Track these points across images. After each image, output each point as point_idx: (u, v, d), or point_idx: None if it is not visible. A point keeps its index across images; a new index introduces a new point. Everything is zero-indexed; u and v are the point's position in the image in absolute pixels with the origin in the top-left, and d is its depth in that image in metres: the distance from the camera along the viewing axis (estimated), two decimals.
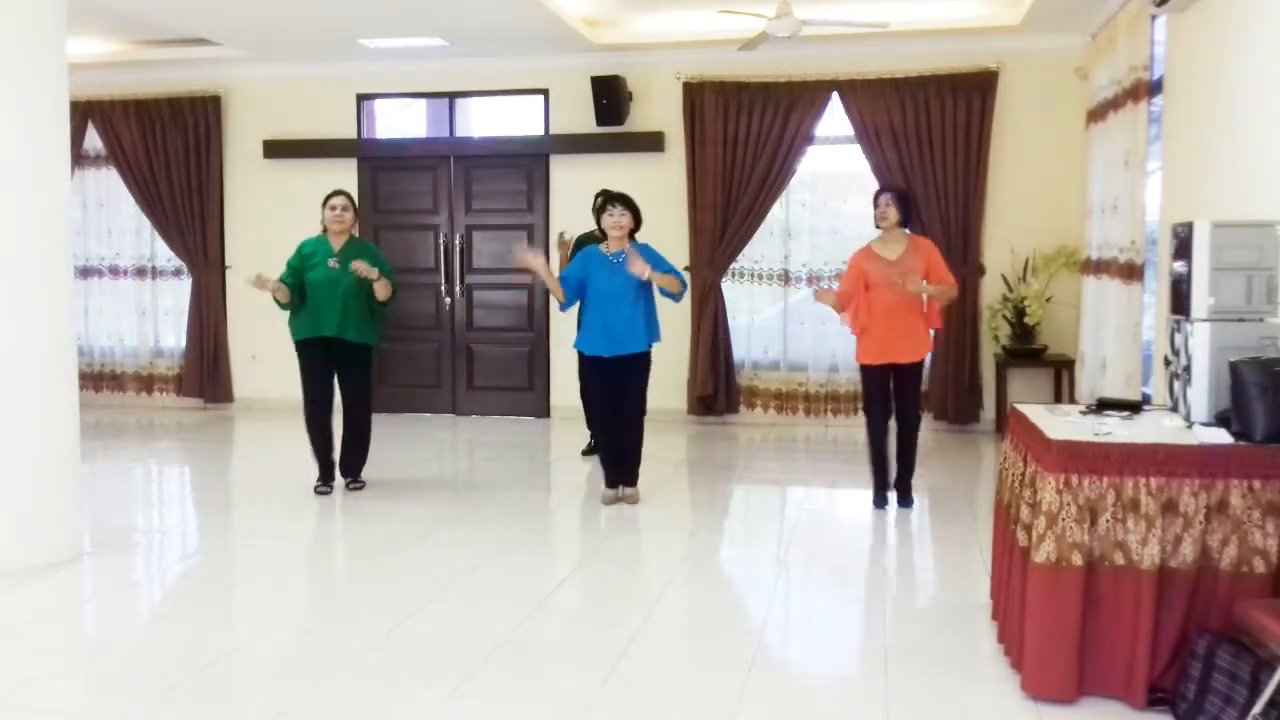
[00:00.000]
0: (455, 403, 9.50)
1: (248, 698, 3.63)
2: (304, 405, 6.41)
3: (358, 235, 6.51)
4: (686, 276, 7.11)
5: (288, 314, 6.35)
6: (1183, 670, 3.25)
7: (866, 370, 5.98)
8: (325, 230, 6.31)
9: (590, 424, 7.44)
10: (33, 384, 4.97)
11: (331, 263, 6.18)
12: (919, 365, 5.97)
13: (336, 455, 6.49)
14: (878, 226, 5.95)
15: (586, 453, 7.55)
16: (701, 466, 7.36)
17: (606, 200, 6.00)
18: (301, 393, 6.41)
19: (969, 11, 7.95)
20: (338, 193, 6.37)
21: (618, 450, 6.11)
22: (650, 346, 6.00)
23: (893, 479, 6.07)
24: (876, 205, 5.95)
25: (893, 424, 6.07)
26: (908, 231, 6.01)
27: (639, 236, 6.04)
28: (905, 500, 6.05)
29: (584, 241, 6.99)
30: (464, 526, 5.82)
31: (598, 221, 6.09)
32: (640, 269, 5.71)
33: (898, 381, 5.97)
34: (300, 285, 6.21)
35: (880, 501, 6.04)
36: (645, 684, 3.67)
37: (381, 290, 6.15)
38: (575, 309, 6.47)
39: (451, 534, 5.67)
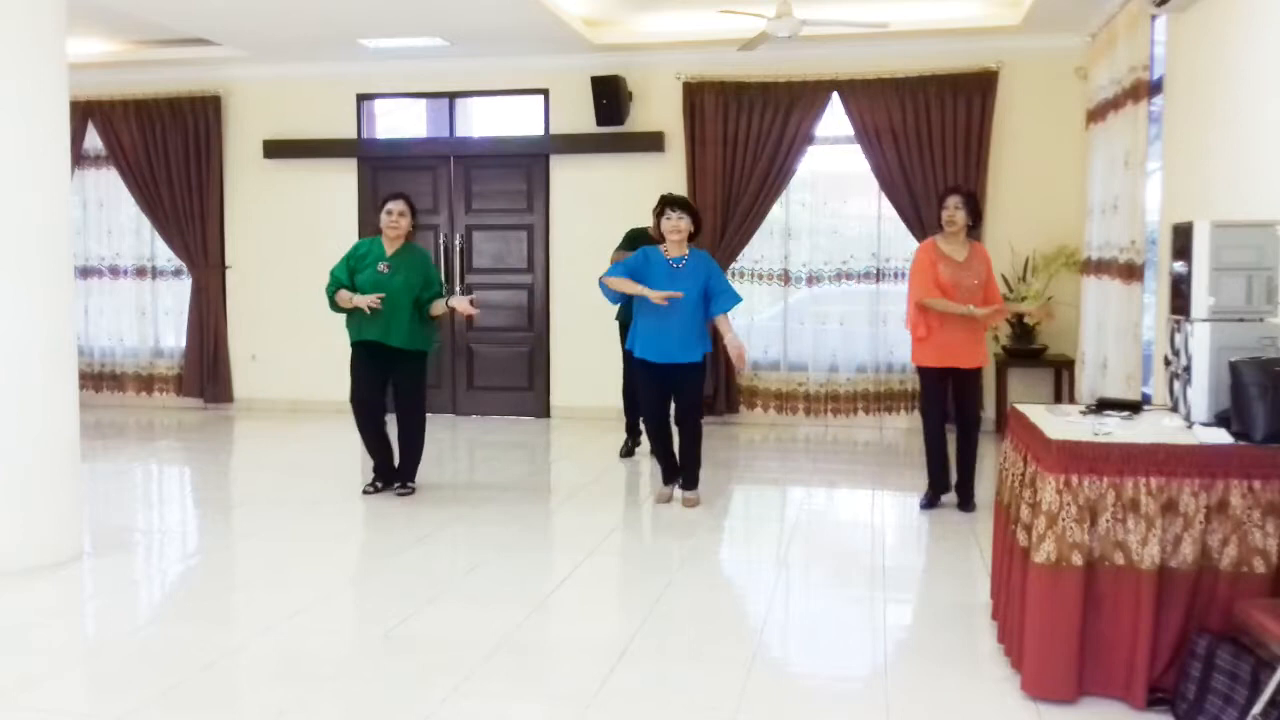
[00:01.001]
0: (455, 403, 9.50)
1: (248, 698, 3.64)
2: (352, 405, 6.37)
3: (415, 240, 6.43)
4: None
5: (344, 315, 6.27)
6: (1183, 670, 3.25)
7: (925, 372, 5.90)
8: (380, 233, 6.25)
9: (630, 426, 7.48)
10: (33, 384, 4.97)
11: (381, 267, 6.12)
12: (979, 371, 5.92)
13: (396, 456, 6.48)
14: (944, 229, 5.84)
15: (625, 454, 7.52)
16: (702, 466, 7.34)
17: (666, 204, 5.93)
18: (350, 391, 6.37)
19: (969, 11, 7.96)
20: (395, 196, 6.29)
21: (682, 455, 6.13)
22: (702, 357, 5.96)
23: (953, 483, 6.01)
24: (945, 207, 5.82)
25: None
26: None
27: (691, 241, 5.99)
28: (966, 504, 5.94)
29: (636, 237, 6.97)
30: (464, 526, 5.82)
31: (657, 225, 6.03)
32: (738, 353, 5.77)
33: (958, 386, 5.90)
34: (352, 286, 6.13)
35: (928, 502, 5.97)
36: (645, 684, 3.66)
37: (437, 309, 6.16)
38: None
39: (451, 534, 5.67)
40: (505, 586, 4.74)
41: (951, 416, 6.00)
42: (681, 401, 6.03)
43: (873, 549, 5.44)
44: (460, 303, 6.24)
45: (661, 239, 6.00)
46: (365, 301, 5.97)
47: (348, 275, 6.14)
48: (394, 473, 6.43)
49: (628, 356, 6.47)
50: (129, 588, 4.89)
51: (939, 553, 5.38)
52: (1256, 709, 2.89)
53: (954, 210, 5.78)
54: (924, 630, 4.26)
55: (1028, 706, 3.40)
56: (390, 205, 6.23)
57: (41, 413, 5.01)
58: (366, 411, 6.30)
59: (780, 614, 4.46)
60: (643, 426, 6.78)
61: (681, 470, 6.16)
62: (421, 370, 6.35)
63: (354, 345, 6.26)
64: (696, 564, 5.18)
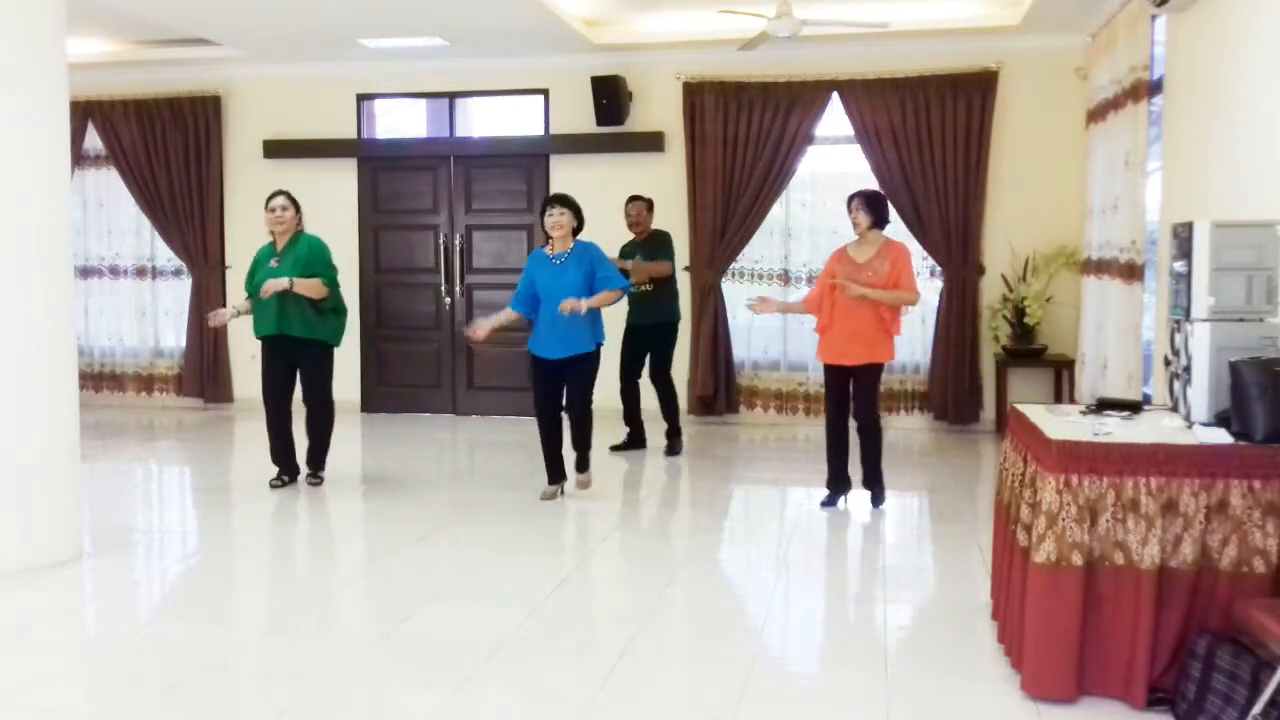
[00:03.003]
0: (455, 403, 9.50)
1: (248, 698, 3.64)
2: (262, 399, 6.56)
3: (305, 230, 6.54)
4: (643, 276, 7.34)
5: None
6: (1183, 670, 3.25)
7: (825, 369, 6.01)
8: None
9: (627, 419, 7.59)
10: (33, 384, 4.96)
11: (273, 263, 6.30)
12: (871, 369, 5.87)
13: (303, 452, 6.59)
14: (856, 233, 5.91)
15: (616, 448, 7.59)
16: (701, 466, 7.36)
17: (546, 202, 6.14)
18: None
19: (969, 11, 7.95)
20: (277, 193, 6.43)
21: (573, 440, 6.22)
22: (595, 347, 6.08)
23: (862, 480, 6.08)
24: (848, 211, 5.91)
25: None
26: (884, 234, 5.91)
27: (584, 234, 6.19)
28: (875, 499, 6.01)
29: (623, 248, 7.39)
30: (464, 526, 5.82)
31: (541, 222, 6.14)
32: (572, 308, 5.82)
33: (853, 385, 5.89)
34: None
35: (828, 500, 6.05)
36: (645, 684, 3.66)
37: (311, 291, 6.19)
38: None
39: (451, 534, 5.67)
40: (505, 587, 4.74)
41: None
42: (572, 391, 6.12)
43: (873, 549, 5.44)
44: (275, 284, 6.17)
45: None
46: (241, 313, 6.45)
47: (249, 284, 6.38)
48: (295, 465, 6.57)
49: (624, 355, 6.93)
50: (129, 588, 4.89)
51: (939, 553, 5.38)
52: (1256, 709, 2.88)
53: (855, 212, 5.85)
54: (924, 630, 4.26)
55: (1028, 706, 3.40)
56: (272, 202, 6.38)
57: (41, 413, 5.01)
58: (273, 406, 6.47)
59: (780, 614, 4.46)
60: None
61: (575, 452, 6.23)
62: (325, 361, 6.49)
63: (262, 342, 6.46)
64: (696, 564, 5.18)
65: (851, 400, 5.93)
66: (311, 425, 6.54)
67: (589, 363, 6.10)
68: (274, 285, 6.10)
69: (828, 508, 6.03)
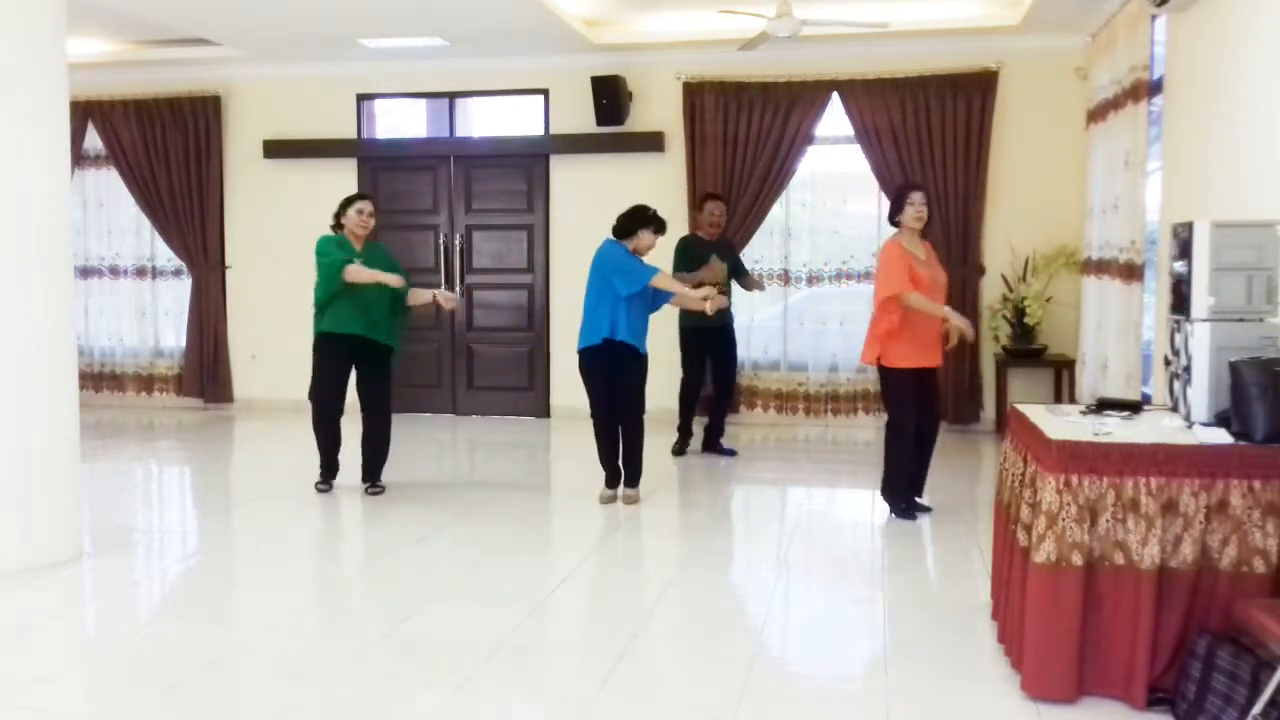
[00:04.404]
0: (455, 403, 9.50)
1: (248, 698, 3.63)
2: (315, 400, 6.32)
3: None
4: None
5: (314, 309, 6.22)
6: (1183, 670, 3.25)
7: (903, 374, 5.62)
8: (343, 230, 6.21)
9: (682, 426, 7.62)
10: (33, 384, 4.96)
11: (357, 264, 6.14)
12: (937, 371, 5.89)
13: (341, 454, 6.47)
14: (908, 226, 5.64)
15: (677, 452, 7.59)
16: (701, 466, 7.36)
17: (661, 225, 6.19)
18: (313, 386, 6.30)
19: (969, 11, 7.96)
20: (364, 196, 6.37)
21: (625, 454, 6.17)
22: (645, 353, 6.11)
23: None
24: (911, 204, 5.61)
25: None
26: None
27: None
28: (923, 508, 5.93)
29: (688, 246, 7.44)
30: (464, 526, 5.82)
31: (631, 231, 6.15)
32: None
33: (927, 387, 5.74)
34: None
35: (911, 513, 5.80)
36: (645, 684, 3.66)
37: (420, 298, 6.29)
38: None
39: (451, 534, 5.67)
40: (505, 586, 4.74)
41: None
42: (633, 403, 6.09)
43: (873, 549, 5.43)
44: (445, 295, 6.36)
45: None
46: (395, 282, 6.03)
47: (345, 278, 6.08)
48: (337, 467, 6.47)
49: (687, 359, 7.19)
50: (129, 588, 4.89)
51: (939, 553, 5.38)
52: (1256, 709, 2.89)
53: (920, 206, 5.63)
54: (924, 630, 4.26)
55: (1028, 706, 3.40)
56: (361, 205, 6.28)
57: (41, 413, 5.01)
58: (332, 409, 6.34)
59: (780, 614, 4.47)
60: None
61: (624, 468, 6.18)
62: (390, 367, 6.41)
63: (329, 339, 6.18)
64: (696, 564, 5.18)
65: (929, 405, 5.75)
66: (379, 433, 6.40)
67: (644, 369, 6.13)
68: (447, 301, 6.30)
69: (915, 516, 5.80)
